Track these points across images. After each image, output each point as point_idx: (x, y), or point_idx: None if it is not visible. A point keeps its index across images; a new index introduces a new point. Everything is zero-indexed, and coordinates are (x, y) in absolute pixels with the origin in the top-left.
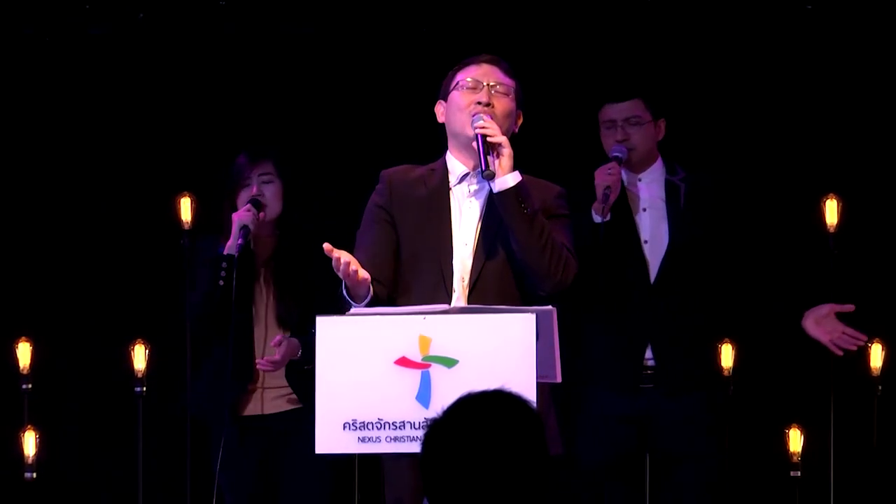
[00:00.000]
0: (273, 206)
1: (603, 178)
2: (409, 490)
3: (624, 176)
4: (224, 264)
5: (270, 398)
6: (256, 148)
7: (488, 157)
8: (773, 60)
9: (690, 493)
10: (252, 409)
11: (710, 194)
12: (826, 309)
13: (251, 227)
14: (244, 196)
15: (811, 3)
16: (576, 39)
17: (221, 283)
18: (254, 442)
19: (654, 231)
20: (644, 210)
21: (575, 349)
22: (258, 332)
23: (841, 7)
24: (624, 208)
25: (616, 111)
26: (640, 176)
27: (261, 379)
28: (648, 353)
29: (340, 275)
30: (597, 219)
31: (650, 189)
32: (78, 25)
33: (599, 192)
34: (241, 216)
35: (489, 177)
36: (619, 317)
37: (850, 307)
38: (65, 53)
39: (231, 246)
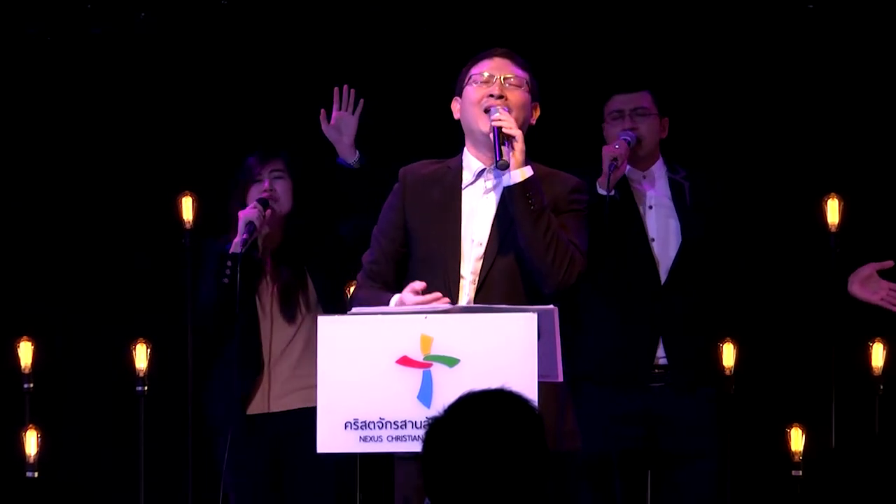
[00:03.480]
0: (283, 202)
1: (610, 151)
2: (418, 490)
3: (627, 172)
4: (229, 262)
5: (277, 395)
6: (268, 146)
7: (503, 148)
8: (774, 60)
9: (695, 490)
10: (258, 406)
11: (714, 193)
12: (868, 269)
13: (256, 223)
14: (254, 192)
15: (812, 2)
16: (584, 33)
17: (226, 280)
18: (259, 441)
19: (661, 229)
20: (651, 208)
21: (577, 345)
22: (264, 326)
23: (842, 7)
24: (630, 206)
25: (624, 101)
26: (644, 173)
27: (266, 375)
28: (660, 352)
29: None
30: (601, 191)
31: (655, 187)
32: (79, 25)
33: (606, 164)
34: (247, 213)
35: (503, 167)
36: (627, 315)
37: (889, 263)
38: (66, 53)
39: (236, 243)
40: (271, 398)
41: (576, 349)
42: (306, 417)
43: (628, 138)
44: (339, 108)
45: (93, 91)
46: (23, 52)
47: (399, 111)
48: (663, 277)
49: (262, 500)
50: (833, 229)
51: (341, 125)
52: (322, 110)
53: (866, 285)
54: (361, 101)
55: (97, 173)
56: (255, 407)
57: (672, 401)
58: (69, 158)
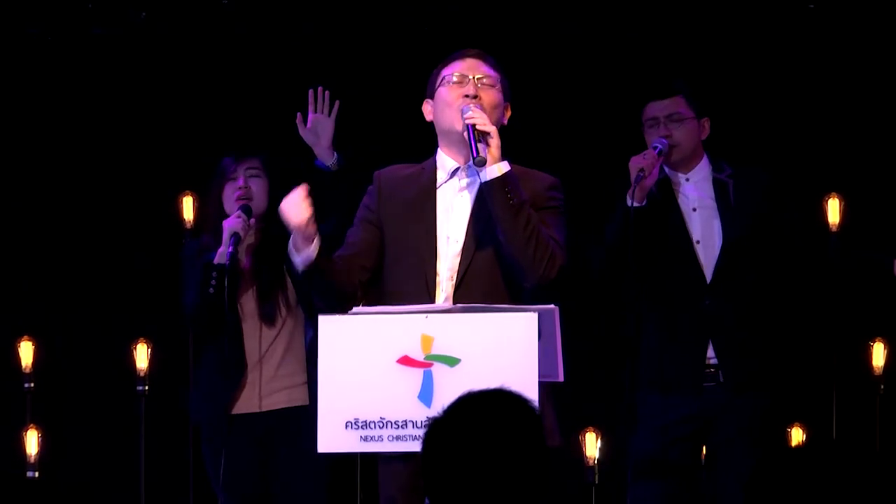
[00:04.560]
0: (259, 201)
1: (637, 161)
2: (402, 490)
3: (671, 175)
4: (214, 274)
5: (261, 396)
6: (244, 145)
7: (479, 145)
8: (776, 60)
9: (728, 491)
10: (243, 407)
11: (757, 191)
12: None
13: (241, 234)
14: (230, 190)
15: (813, 2)
16: (616, 41)
17: (211, 290)
18: (246, 441)
19: (705, 231)
20: (694, 210)
21: (632, 354)
22: (246, 327)
23: (843, 7)
24: (674, 209)
25: (658, 108)
26: (688, 176)
27: (250, 376)
28: (710, 353)
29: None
30: (628, 201)
31: (699, 188)
32: (80, 25)
33: (633, 174)
34: (232, 223)
35: (481, 163)
36: (676, 319)
37: None
38: (67, 53)
39: (222, 254)
40: (256, 398)
41: (631, 358)
42: (291, 416)
43: (659, 146)
44: (315, 111)
45: (93, 91)
46: (23, 52)
47: (404, 110)
48: (709, 278)
49: (251, 499)
50: (834, 229)
51: (318, 128)
52: (298, 114)
53: None
54: (337, 102)
55: (97, 173)
56: (241, 407)
57: (723, 401)
58: (69, 158)
